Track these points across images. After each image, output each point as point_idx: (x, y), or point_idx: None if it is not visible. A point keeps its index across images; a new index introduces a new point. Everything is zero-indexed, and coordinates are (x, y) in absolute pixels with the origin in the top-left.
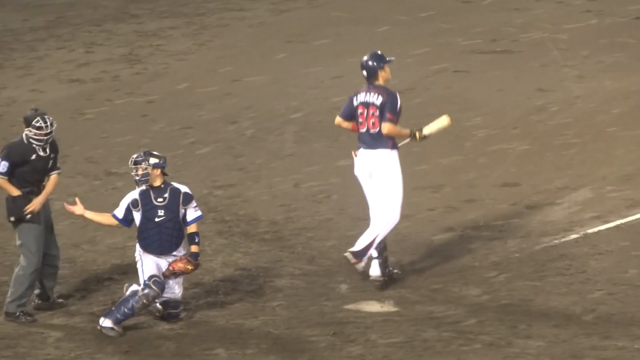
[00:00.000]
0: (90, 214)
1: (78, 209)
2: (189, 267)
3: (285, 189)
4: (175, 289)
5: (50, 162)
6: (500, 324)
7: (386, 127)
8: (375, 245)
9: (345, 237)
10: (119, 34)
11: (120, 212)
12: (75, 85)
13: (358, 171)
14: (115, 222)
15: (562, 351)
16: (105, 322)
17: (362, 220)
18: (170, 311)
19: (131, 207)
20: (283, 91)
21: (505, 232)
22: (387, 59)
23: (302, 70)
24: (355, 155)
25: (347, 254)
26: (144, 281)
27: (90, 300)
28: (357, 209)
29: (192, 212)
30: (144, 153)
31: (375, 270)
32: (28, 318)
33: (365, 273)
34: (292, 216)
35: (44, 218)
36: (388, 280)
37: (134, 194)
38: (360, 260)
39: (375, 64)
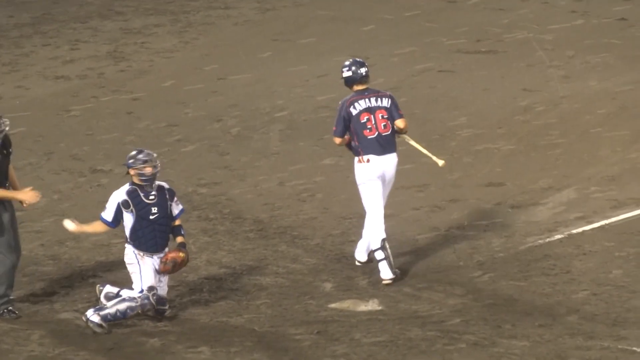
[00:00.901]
0: (83, 228)
1: (73, 227)
2: (181, 254)
3: (270, 188)
4: (164, 286)
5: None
6: (484, 324)
7: (403, 122)
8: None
9: (330, 236)
10: (104, 31)
11: (109, 214)
12: (60, 82)
13: (374, 174)
14: (106, 227)
15: (546, 351)
16: (94, 317)
17: (347, 219)
18: (158, 307)
19: (122, 208)
20: (268, 89)
21: (490, 231)
22: None
23: (288, 69)
24: (367, 161)
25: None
26: (142, 290)
27: (74, 297)
28: (341, 207)
29: (175, 207)
30: (148, 152)
31: (386, 273)
32: (12, 315)
33: (354, 269)
34: (276, 215)
35: (10, 217)
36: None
37: (122, 195)
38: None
39: (367, 68)
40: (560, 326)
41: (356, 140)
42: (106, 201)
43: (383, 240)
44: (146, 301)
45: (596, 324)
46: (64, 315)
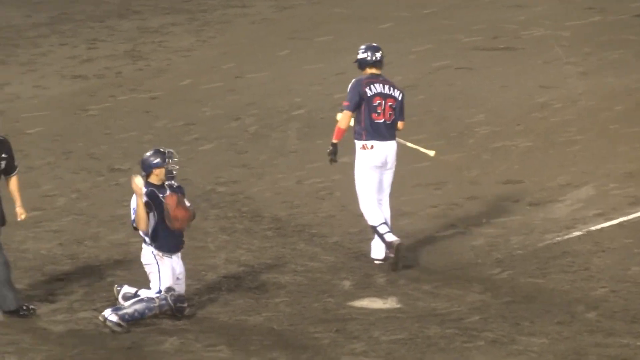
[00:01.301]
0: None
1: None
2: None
3: (288, 186)
4: (182, 284)
5: (3, 163)
6: (503, 321)
7: (403, 125)
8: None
9: (348, 233)
10: (121, 30)
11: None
12: (78, 81)
13: (377, 161)
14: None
15: (565, 348)
16: (112, 317)
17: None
18: (177, 305)
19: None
20: (286, 88)
21: (508, 229)
22: None
23: (305, 67)
24: (371, 148)
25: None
26: (160, 291)
27: (92, 297)
28: (359, 205)
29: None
30: (169, 150)
31: (376, 253)
32: (31, 311)
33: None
34: (294, 213)
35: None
36: (395, 262)
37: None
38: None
39: (382, 54)
40: (579, 323)
41: (362, 122)
42: (125, 202)
43: (383, 223)
44: (164, 302)
45: (615, 321)
46: (82, 315)
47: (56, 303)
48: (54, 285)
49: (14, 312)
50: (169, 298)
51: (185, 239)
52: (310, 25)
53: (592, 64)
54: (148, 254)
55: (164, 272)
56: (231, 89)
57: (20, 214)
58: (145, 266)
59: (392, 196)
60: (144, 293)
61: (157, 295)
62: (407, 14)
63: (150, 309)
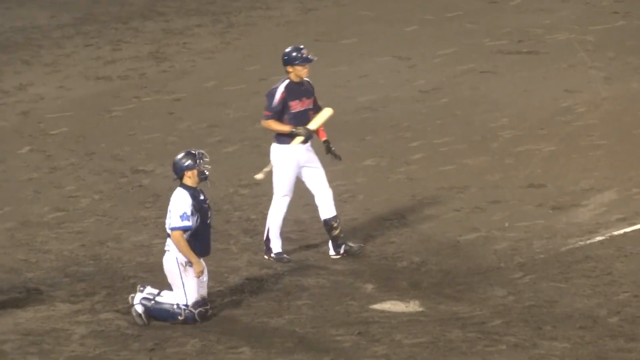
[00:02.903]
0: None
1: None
2: None
3: None
4: (205, 285)
5: None
6: (525, 325)
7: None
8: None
9: (371, 237)
10: (146, 32)
11: (186, 221)
12: (102, 82)
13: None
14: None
15: (587, 353)
16: (138, 307)
17: (388, 220)
18: (199, 310)
19: (193, 212)
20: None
21: (531, 233)
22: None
23: (329, 69)
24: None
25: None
26: (187, 305)
27: (114, 298)
28: (382, 209)
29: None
30: (199, 151)
31: (330, 250)
32: None
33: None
34: (317, 216)
35: None
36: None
37: (187, 199)
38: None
39: None
40: (601, 328)
41: None
42: (147, 204)
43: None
44: (189, 315)
45: (637, 326)
46: (104, 316)
47: (78, 304)
48: (76, 286)
49: None
50: (196, 315)
51: None
52: (335, 27)
53: (616, 68)
54: (172, 261)
55: (189, 286)
56: (255, 91)
57: None
58: (167, 271)
59: (416, 199)
60: (166, 295)
61: (185, 308)
62: (432, 17)
63: (173, 317)
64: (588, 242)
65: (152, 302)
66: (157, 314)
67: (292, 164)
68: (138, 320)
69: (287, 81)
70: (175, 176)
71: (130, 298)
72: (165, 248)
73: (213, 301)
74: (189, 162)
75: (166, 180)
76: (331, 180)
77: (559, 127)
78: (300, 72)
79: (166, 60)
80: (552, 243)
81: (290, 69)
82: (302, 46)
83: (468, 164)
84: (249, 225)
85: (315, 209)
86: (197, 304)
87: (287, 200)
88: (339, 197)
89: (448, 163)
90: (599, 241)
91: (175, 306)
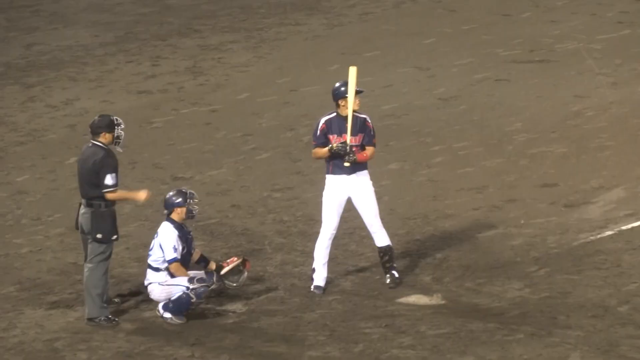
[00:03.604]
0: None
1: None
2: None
3: None
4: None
5: None
6: (541, 315)
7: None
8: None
9: (396, 235)
10: (183, 48)
11: (178, 253)
12: (143, 96)
13: None
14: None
15: (599, 340)
16: (166, 314)
17: (412, 220)
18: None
19: (179, 243)
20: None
21: (545, 229)
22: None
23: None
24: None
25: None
26: (188, 287)
27: None
28: (406, 209)
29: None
30: (190, 191)
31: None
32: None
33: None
34: (345, 216)
35: None
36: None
37: (174, 231)
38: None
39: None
40: (611, 317)
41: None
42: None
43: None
44: (196, 289)
45: None
46: (148, 314)
47: (124, 303)
48: (122, 286)
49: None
50: (196, 283)
51: (244, 242)
52: (359, 41)
53: (622, 74)
54: (157, 288)
55: (175, 280)
56: (286, 101)
57: None
58: (158, 298)
59: (438, 199)
60: (175, 290)
61: (187, 290)
62: (450, 29)
63: (189, 303)
64: (598, 236)
65: (169, 302)
66: (178, 308)
67: (334, 196)
68: (175, 321)
69: (333, 114)
70: (165, 210)
71: (157, 311)
72: (145, 283)
73: (249, 298)
74: (179, 200)
75: (204, 187)
76: None
77: (570, 130)
78: (352, 106)
79: (202, 74)
80: (565, 238)
81: (342, 102)
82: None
83: (485, 165)
84: (282, 227)
85: (344, 210)
86: (191, 280)
87: (329, 232)
88: None
89: (467, 165)
90: (609, 236)
91: (184, 295)
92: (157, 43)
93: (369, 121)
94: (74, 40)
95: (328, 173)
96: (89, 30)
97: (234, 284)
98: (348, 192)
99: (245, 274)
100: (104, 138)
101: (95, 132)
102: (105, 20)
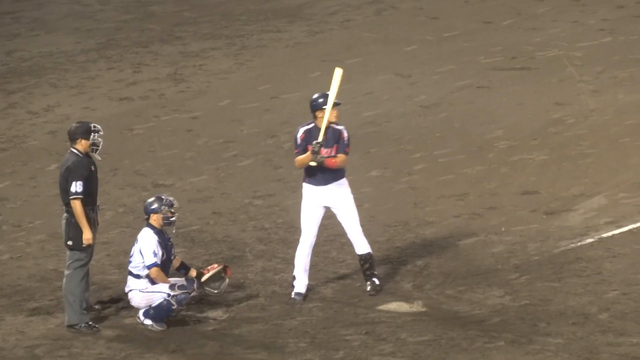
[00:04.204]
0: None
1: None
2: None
3: None
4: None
5: None
6: (521, 323)
7: None
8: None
9: (376, 242)
10: (164, 55)
11: (156, 257)
12: (124, 102)
13: None
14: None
15: (579, 348)
16: (147, 321)
17: (392, 227)
18: (181, 290)
19: (159, 249)
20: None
21: (526, 236)
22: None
23: None
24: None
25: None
26: (169, 294)
27: None
28: (386, 216)
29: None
30: (169, 198)
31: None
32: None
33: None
34: (326, 224)
35: None
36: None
37: (153, 237)
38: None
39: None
40: (592, 324)
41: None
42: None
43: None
44: (177, 296)
45: (626, 322)
46: (129, 321)
47: (104, 310)
48: (102, 293)
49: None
50: (177, 290)
51: (224, 249)
52: (340, 48)
53: (603, 82)
54: (137, 296)
55: (156, 287)
56: (267, 108)
57: None
58: (138, 305)
59: (418, 207)
60: (156, 297)
61: (167, 297)
62: (431, 37)
63: (170, 310)
64: (579, 244)
65: (151, 311)
66: (158, 314)
67: (311, 206)
68: (156, 328)
69: (311, 125)
70: (145, 216)
71: (137, 318)
72: (126, 289)
73: (230, 305)
74: (154, 206)
75: (185, 193)
76: None
77: (551, 137)
78: (330, 117)
79: (183, 81)
80: (545, 245)
81: (319, 113)
82: (328, 92)
83: (466, 173)
84: (263, 234)
85: (325, 217)
86: (172, 287)
87: (308, 240)
88: None
89: (448, 173)
90: (589, 243)
91: (165, 302)
92: (139, 50)
93: (345, 133)
94: (55, 46)
95: (304, 181)
96: (70, 37)
97: (215, 291)
98: (326, 202)
99: (227, 280)
100: (81, 145)
101: (72, 138)
102: (87, 26)
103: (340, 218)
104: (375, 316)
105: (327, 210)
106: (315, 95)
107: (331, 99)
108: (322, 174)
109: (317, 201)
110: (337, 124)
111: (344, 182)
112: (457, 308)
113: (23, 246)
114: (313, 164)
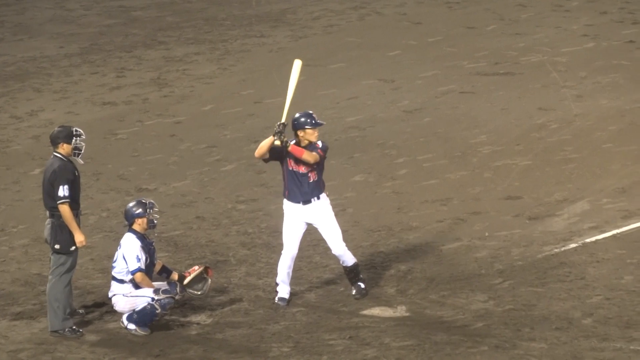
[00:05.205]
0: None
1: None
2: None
3: None
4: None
5: None
6: (505, 328)
7: None
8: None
9: (360, 247)
10: (148, 60)
11: (140, 262)
12: (107, 107)
13: None
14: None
15: (563, 353)
16: (130, 325)
17: (376, 232)
18: (165, 292)
19: (142, 253)
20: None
21: (509, 241)
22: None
23: (319, 92)
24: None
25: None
26: (153, 298)
27: None
28: (370, 221)
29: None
30: (151, 201)
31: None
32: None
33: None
34: (310, 229)
35: None
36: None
37: (137, 242)
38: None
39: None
40: (575, 329)
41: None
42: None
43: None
44: (161, 300)
45: (609, 327)
46: (112, 325)
47: (88, 315)
48: (86, 297)
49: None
50: (161, 294)
51: (208, 253)
52: (324, 53)
53: (586, 87)
54: (121, 300)
55: (140, 292)
56: (250, 113)
57: None
58: (122, 310)
59: (402, 212)
60: (139, 301)
61: (151, 301)
62: (415, 42)
63: (154, 314)
64: (562, 249)
65: (135, 315)
66: (142, 319)
67: (292, 223)
68: (139, 333)
69: (292, 142)
70: (126, 222)
71: (121, 323)
72: (109, 294)
73: (214, 309)
74: (139, 210)
75: (168, 198)
76: None
77: (534, 142)
78: (310, 136)
79: (167, 85)
80: (529, 251)
81: (301, 133)
82: (311, 111)
83: (450, 178)
84: (247, 239)
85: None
86: (156, 291)
87: (290, 253)
88: None
89: (431, 178)
90: (573, 248)
91: (149, 306)
92: (122, 54)
93: (320, 144)
94: (38, 51)
95: (284, 197)
96: (53, 42)
97: (199, 292)
98: (307, 220)
99: (209, 281)
100: (62, 149)
101: (54, 142)
102: (70, 31)
103: (323, 234)
104: (359, 321)
105: (310, 224)
106: (298, 115)
107: (291, 91)
108: (299, 191)
109: (298, 219)
110: (316, 143)
111: (323, 197)
112: (440, 313)
113: (6, 250)
114: (277, 143)
